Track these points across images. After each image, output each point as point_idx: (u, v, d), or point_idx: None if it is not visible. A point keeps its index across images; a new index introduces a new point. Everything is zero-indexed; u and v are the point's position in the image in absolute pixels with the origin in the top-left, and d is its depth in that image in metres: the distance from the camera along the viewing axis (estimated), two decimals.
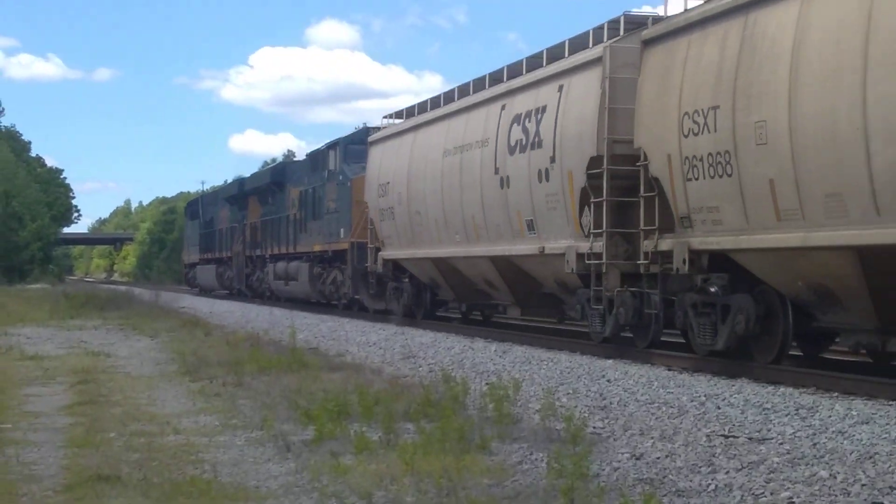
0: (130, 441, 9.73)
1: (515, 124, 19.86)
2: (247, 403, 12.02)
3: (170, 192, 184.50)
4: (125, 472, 8.32)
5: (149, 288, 52.24)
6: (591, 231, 17.12)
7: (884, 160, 11.42)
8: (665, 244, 15.52)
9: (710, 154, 14.18)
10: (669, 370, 15.09)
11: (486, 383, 13.27)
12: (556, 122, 18.25)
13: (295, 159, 61.23)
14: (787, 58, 12.77)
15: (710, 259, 14.81)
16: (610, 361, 16.29)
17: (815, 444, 9.15)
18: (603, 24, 17.73)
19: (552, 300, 20.68)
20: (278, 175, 42.10)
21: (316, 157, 36.15)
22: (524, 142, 19.41)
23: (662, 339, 17.09)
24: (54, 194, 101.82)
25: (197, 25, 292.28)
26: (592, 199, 17.07)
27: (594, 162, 16.92)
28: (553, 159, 18.25)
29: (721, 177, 13.99)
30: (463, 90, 23.46)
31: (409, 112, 26.86)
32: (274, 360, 15.64)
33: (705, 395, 12.18)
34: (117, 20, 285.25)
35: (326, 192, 33.80)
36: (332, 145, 33.85)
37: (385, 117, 28.41)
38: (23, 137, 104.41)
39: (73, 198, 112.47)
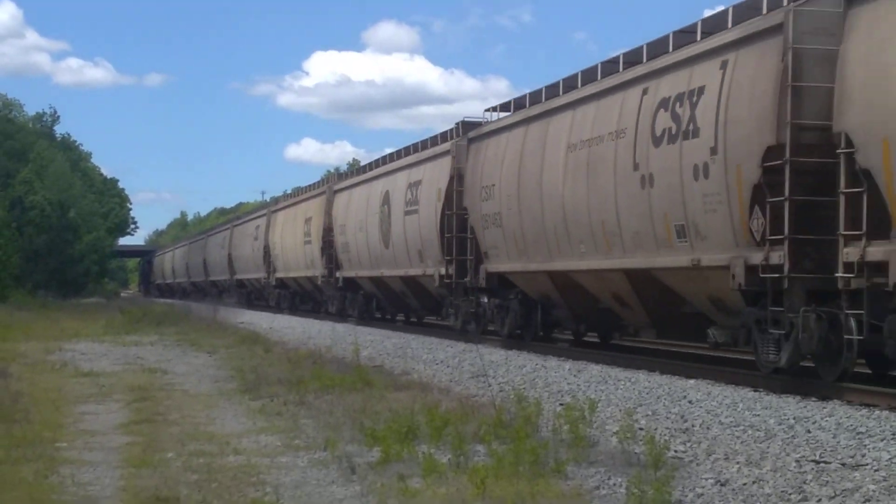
0: (189, 461, 9.82)
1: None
2: (309, 423, 12.09)
3: (228, 203, 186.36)
4: (184, 493, 8.40)
5: (207, 303, 53.18)
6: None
7: None
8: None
9: None
10: (755, 391, 14.91)
11: (561, 404, 13.24)
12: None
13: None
14: None
15: None
16: (692, 381, 16.17)
17: None
18: None
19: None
20: (150, 254, 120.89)
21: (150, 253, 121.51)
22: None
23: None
24: (110, 205, 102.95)
25: (249, 29, 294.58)
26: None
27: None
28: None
29: None
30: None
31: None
32: (337, 378, 15.71)
33: (794, 418, 12.04)
34: (168, 24, 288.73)
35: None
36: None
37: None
38: (82, 148, 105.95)
39: (131, 209, 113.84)
